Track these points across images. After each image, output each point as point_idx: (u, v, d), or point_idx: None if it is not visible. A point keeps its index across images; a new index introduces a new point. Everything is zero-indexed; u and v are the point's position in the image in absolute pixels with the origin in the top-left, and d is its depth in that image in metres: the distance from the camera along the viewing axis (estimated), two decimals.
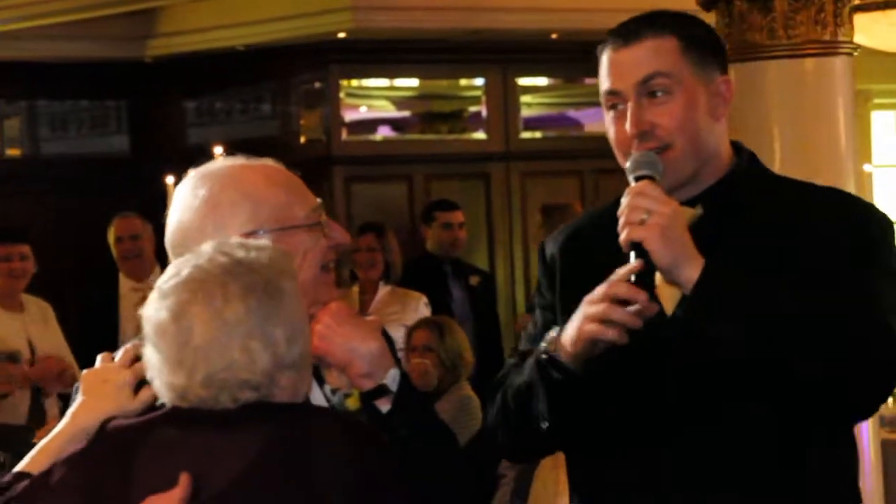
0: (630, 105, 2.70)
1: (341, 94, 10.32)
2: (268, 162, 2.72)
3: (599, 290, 2.61)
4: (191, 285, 2.36)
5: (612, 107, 2.74)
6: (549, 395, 2.67)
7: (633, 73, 2.70)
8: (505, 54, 10.46)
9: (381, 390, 2.56)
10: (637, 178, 2.67)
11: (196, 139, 10.70)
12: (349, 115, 10.41)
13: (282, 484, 2.30)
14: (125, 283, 7.66)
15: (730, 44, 5.13)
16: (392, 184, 10.29)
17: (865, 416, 2.74)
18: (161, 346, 2.36)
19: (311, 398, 2.59)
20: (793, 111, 5.09)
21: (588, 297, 2.62)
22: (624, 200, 2.61)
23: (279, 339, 2.34)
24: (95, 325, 7.59)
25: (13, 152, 10.90)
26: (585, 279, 2.73)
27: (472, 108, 10.86)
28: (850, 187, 5.06)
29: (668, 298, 2.67)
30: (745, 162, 2.81)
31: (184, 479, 2.30)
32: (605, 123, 2.79)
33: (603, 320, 2.59)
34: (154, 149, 10.64)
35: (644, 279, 2.60)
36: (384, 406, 2.55)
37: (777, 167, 5.12)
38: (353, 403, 2.56)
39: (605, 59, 2.76)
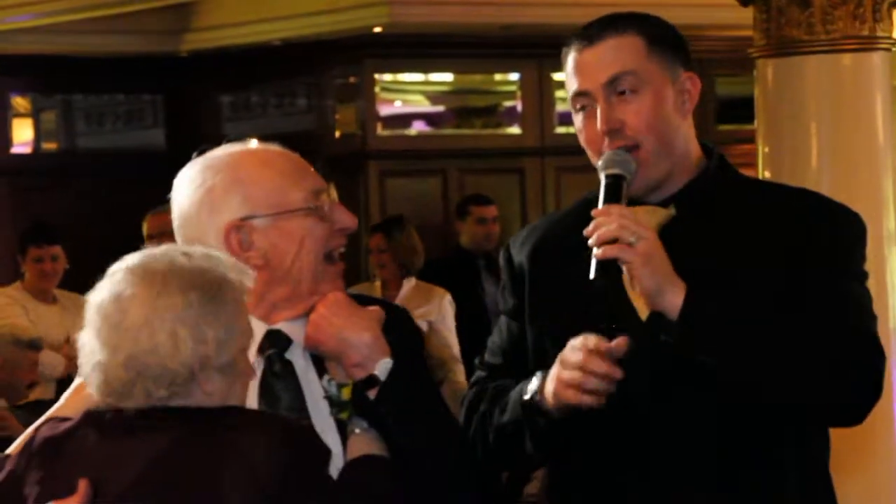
0: (599, 104, 2.70)
1: (376, 89, 10.31)
2: (271, 147, 2.68)
3: (574, 355, 2.58)
4: (136, 271, 2.36)
5: (581, 108, 2.75)
6: (534, 436, 2.68)
7: (600, 73, 2.71)
8: (540, 49, 10.42)
9: (372, 380, 2.54)
10: (608, 177, 2.66)
11: (231, 133, 10.64)
12: (384, 110, 10.41)
13: (181, 490, 2.27)
14: None
15: (768, 39, 5.10)
16: (426, 178, 10.29)
17: (855, 423, 2.72)
18: (96, 324, 2.36)
19: (308, 388, 2.57)
20: (830, 107, 5.06)
21: (562, 357, 2.60)
22: (605, 218, 2.58)
23: (209, 339, 2.32)
24: None
25: (49, 146, 10.95)
26: (554, 286, 2.75)
27: (507, 103, 10.84)
28: (888, 183, 5.03)
29: (641, 304, 2.67)
30: (716, 163, 2.79)
31: (82, 486, 2.29)
32: (575, 126, 2.79)
33: (580, 387, 2.58)
34: (189, 143, 10.59)
35: (615, 285, 2.60)
36: (373, 396, 2.53)
37: (814, 163, 5.09)
38: (346, 394, 2.55)
39: (570, 61, 2.76)
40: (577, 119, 2.77)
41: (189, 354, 2.32)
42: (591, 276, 2.57)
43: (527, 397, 2.67)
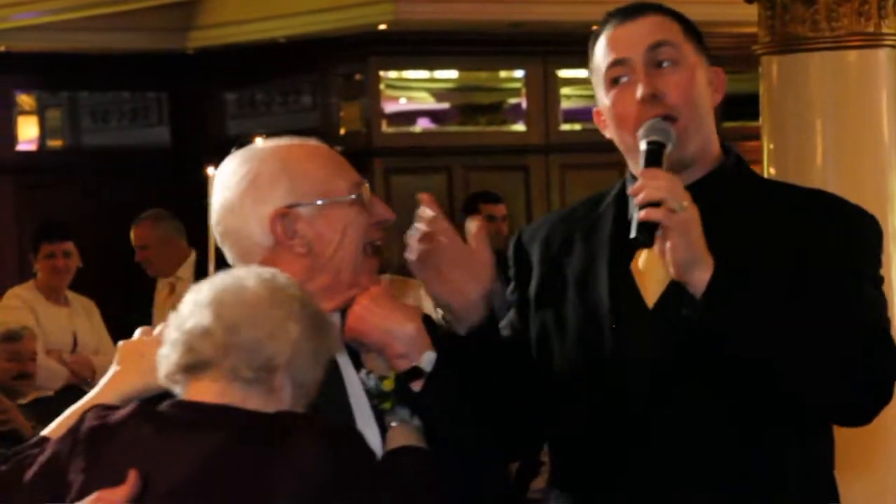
0: (640, 69, 2.70)
1: (381, 86, 10.32)
2: (311, 140, 2.71)
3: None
4: (263, 274, 2.43)
5: (615, 81, 2.73)
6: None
7: (642, 40, 2.72)
8: (545, 46, 10.43)
9: (416, 372, 2.56)
10: (650, 143, 2.66)
11: (236, 131, 10.72)
12: (389, 107, 10.41)
13: (230, 491, 2.29)
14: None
15: (772, 36, 5.10)
16: (431, 176, 10.29)
17: (862, 423, 2.72)
18: (208, 296, 2.39)
19: (349, 383, 2.59)
20: (835, 104, 5.05)
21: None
22: (653, 181, 2.58)
23: (306, 360, 2.38)
24: (134, 314, 7.66)
25: (55, 143, 10.96)
26: (558, 278, 2.77)
27: (512, 100, 10.84)
28: (893, 179, 5.03)
29: (649, 293, 2.67)
30: (733, 161, 2.80)
31: (132, 477, 2.29)
32: (600, 117, 2.79)
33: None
34: (194, 140, 10.67)
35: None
36: (418, 387, 2.56)
37: (819, 160, 5.09)
38: (388, 385, 2.57)
39: (603, 38, 2.76)
40: (609, 96, 2.75)
41: (286, 353, 2.36)
42: (633, 234, 2.57)
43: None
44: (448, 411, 2.56)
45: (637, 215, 2.56)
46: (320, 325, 2.41)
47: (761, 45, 5.18)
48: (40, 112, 10.89)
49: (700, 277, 2.56)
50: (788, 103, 5.06)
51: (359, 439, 2.42)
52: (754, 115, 5.56)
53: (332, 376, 2.58)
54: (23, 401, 6.63)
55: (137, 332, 2.64)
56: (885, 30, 5.06)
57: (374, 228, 2.66)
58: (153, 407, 2.39)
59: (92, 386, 7.36)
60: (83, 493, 2.33)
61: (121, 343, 2.63)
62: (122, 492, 2.28)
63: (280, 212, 2.57)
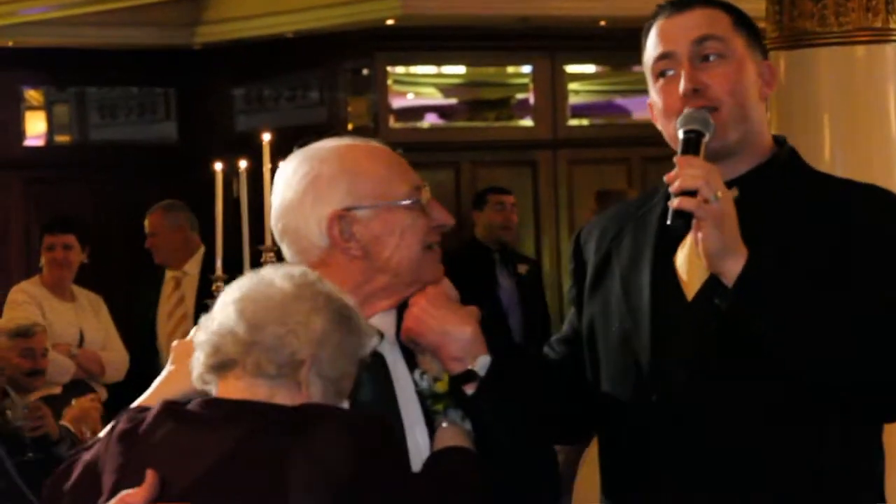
0: (684, 65, 2.70)
1: (389, 82, 10.31)
2: (373, 142, 2.71)
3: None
4: (294, 271, 2.42)
5: (661, 74, 2.74)
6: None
7: (688, 34, 2.72)
8: (553, 41, 10.42)
9: (470, 375, 2.57)
10: (688, 132, 2.65)
11: (244, 126, 10.72)
12: (396, 103, 10.41)
13: (244, 486, 2.29)
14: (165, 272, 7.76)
15: (780, 31, 5.09)
16: (439, 171, 10.28)
17: (891, 420, 2.71)
18: (236, 300, 2.40)
19: (397, 381, 2.59)
20: (843, 99, 5.05)
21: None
22: (690, 169, 2.57)
23: (331, 355, 2.37)
24: (141, 309, 7.68)
25: (62, 139, 10.96)
26: (606, 274, 2.77)
27: (520, 96, 10.83)
28: None
29: (690, 286, 2.67)
30: (787, 154, 2.79)
31: (150, 477, 2.31)
32: (653, 110, 2.78)
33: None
34: (202, 136, 10.67)
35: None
36: (471, 390, 2.57)
37: (827, 155, 5.08)
38: (441, 387, 2.58)
39: (654, 29, 2.76)
40: (655, 88, 2.75)
41: (306, 348, 2.35)
42: (669, 221, 2.56)
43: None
44: (500, 416, 2.58)
45: (671, 204, 2.56)
46: (348, 319, 2.40)
47: (769, 40, 5.17)
48: (48, 107, 10.89)
49: (732, 268, 2.55)
50: (796, 98, 5.05)
51: (387, 432, 2.40)
52: None
53: (380, 375, 2.59)
54: (31, 397, 6.64)
55: (192, 332, 2.62)
56: (892, 25, 5.06)
57: (432, 232, 2.65)
58: (180, 406, 2.40)
59: (99, 381, 7.31)
60: (114, 494, 2.34)
61: (175, 343, 2.64)
62: (142, 493, 2.30)
63: (338, 213, 2.58)
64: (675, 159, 2.63)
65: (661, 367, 2.67)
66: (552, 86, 10.59)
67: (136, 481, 2.32)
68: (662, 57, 2.73)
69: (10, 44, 10.07)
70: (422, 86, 10.76)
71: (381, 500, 2.33)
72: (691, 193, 2.54)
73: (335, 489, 2.28)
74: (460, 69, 10.85)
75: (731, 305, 2.56)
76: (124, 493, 2.30)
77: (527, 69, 10.72)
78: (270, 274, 2.41)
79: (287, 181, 2.64)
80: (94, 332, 7.26)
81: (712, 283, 2.62)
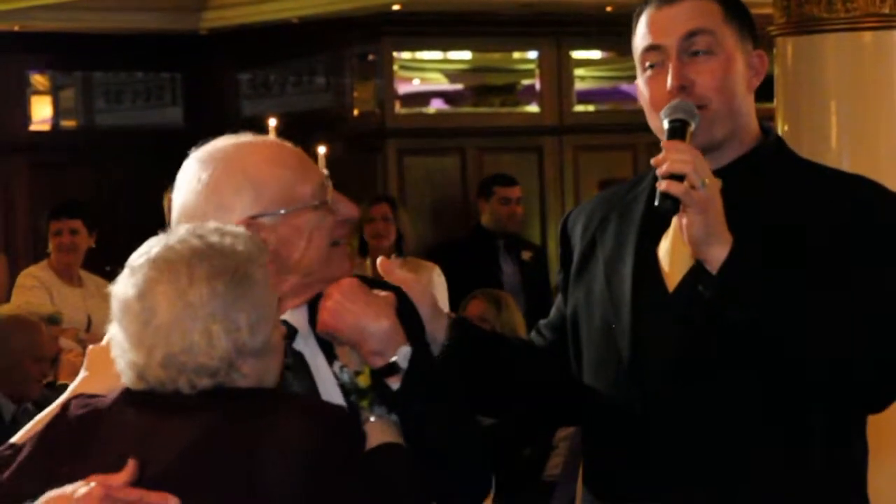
0: (672, 60, 2.69)
1: (395, 67, 10.30)
2: (270, 139, 2.67)
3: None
4: (159, 264, 2.34)
5: (650, 66, 2.73)
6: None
7: (677, 28, 2.70)
8: (559, 27, 10.40)
9: (393, 368, 2.53)
10: (673, 121, 2.64)
11: (250, 111, 10.72)
12: (402, 88, 10.39)
13: (218, 470, 2.27)
14: None
15: (787, 17, 5.08)
16: (445, 157, 10.28)
17: (877, 410, 2.70)
18: (125, 323, 2.34)
19: (319, 376, 2.56)
20: (850, 85, 5.04)
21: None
22: (678, 154, 2.57)
23: (242, 325, 2.31)
24: None
25: (68, 123, 10.96)
26: (591, 261, 2.77)
27: (526, 82, 10.82)
28: None
29: (671, 278, 2.66)
30: (772, 142, 2.78)
31: (130, 464, 2.27)
32: (639, 91, 2.77)
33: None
34: (208, 121, 10.66)
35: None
36: (394, 383, 2.52)
37: (834, 141, 5.07)
38: (363, 381, 2.54)
39: (644, 19, 2.75)
40: (642, 79, 2.75)
41: (224, 347, 2.31)
42: (657, 202, 2.56)
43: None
44: (429, 407, 2.53)
45: (659, 186, 2.55)
46: (237, 277, 2.33)
47: (776, 26, 5.16)
48: (54, 92, 10.89)
49: (716, 255, 2.55)
50: (803, 85, 5.05)
51: (344, 413, 2.39)
52: (768, 97, 5.54)
53: (301, 372, 2.57)
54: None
55: (106, 337, 2.56)
56: None
57: (339, 226, 2.62)
58: (139, 393, 2.36)
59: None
60: (71, 481, 2.30)
61: (90, 347, 2.61)
62: (120, 477, 2.27)
63: (244, 222, 2.54)
64: (662, 144, 2.62)
65: (641, 358, 2.68)
66: (558, 72, 10.58)
67: (100, 467, 2.29)
68: (651, 48, 2.72)
69: (17, 28, 10.06)
70: (428, 71, 10.75)
71: (348, 474, 2.32)
72: (678, 178, 2.53)
73: (308, 473, 2.27)
74: (466, 55, 10.84)
75: (715, 292, 2.55)
76: (100, 476, 2.27)
77: (533, 55, 10.70)
78: (142, 276, 2.34)
79: (189, 188, 2.60)
80: (102, 317, 7.26)
81: (694, 273, 2.61)
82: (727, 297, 2.55)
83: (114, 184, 10.41)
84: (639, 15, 2.76)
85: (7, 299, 7.61)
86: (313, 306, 2.60)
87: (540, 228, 10.44)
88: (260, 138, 2.67)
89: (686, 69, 2.68)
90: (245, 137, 2.66)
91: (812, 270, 2.60)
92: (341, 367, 2.56)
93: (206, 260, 2.33)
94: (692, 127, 2.64)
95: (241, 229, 2.43)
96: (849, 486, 2.71)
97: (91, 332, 7.19)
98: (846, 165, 4.76)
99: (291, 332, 2.59)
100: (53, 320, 6.49)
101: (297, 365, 2.57)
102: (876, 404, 2.67)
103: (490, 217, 8.75)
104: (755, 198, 2.68)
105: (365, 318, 2.53)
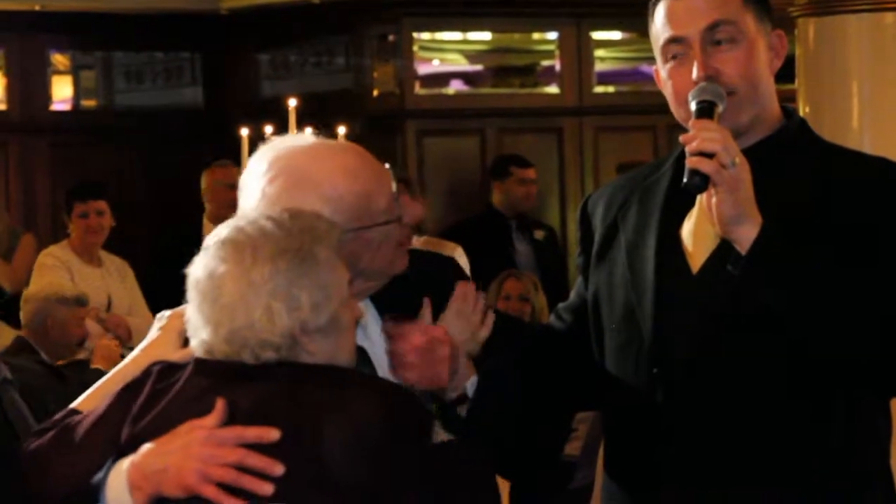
0: (696, 51, 2.68)
1: (414, 48, 10.29)
2: (347, 147, 2.63)
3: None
4: (227, 245, 2.40)
5: (673, 57, 2.72)
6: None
7: (699, 19, 2.69)
8: (579, 8, 10.37)
9: (462, 399, 2.62)
10: (701, 102, 2.64)
11: (269, 92, 10.71)
12: (422, 69, 10.38)
13: (285, 441, 2.31)
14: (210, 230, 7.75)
15: None
16: (464, 138, 10.26)
17: None
18: (196, 302, 2.42)
19: (382, 370, 2.59)
20: (872, 66, 5.02)
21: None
22: (708, 132, 2.56)
23: (304, 304, 2.36)
24: (170, 275, 7.67)
25: (88, 103, 10.97)
26: (612, 244, 2.77)
27: (546, 63, 10.79)
28: None
29: (695, 259, 2.66)
30: (796, 125, 2.77)
31: (220, 404, 2.34)
32: (660, 77, 2.76)
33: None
34: (227, 101, 10.67)
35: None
36: (463, 411, 2.61)
37: (855, 123, 5.06)
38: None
39: (662, 9, 2.74)
40: (665, 69, 2.74)
41: (286, 324, 2.36)
42: (686, 179, 2.55)
43: None
44: (494, 429, 2.61)
45: (689, 162, 2.54)
46: (300, 255, 2.38)
47: (798, 7, 5.14)
48: (74, 72, 10.90)
49: (746, 234, 2.54)
50: (825, 66, 5.03)
51: (414, 400, 2.43)
52: (790, 78, 5.52)
53: (362, 363, 2.59)
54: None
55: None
56: None
57: (403, 231, 2.65)
58: (210, 364, 2.42)
59: (126, 346, 7.38)
60: (137, 446, 2.38)
61: (171, 312, 2.64)
62: (212, 419, 2.34)
63: None
64: (689, 123, 2.61)
65: (665, 339, 2.67)
66: (578, 52, 10.55)
67: (173, 426, 2.36)
68: (673, 41, 2.71)
69: (37, 8, 10.07)
70: (447, 52, 10.73)
71: (410, 470, 2.34)
72: (708, 156, 2.52)
73: (368, 451, 2.30)
74: (486, 35, 10.81)
75: (744, 272, 2.54)
76: (193, 421, 2.34)
77: (553, 36, 10.68)
78: (212, 256, 2.40)
79: (260, 197, 2.56)
80: (120, 298, 7.29)
81: (719, 254, 2.61)
82: (757, 277, 2.54)
83: (134, 163, 10.42)
84: (656, 3, 2.75)
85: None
86: (373, 299, 2.64)
87: (559, 210, 10.43)
88: (334, 145, 2.63)
89: (711, 59, 2.68)
90: (317, 143, 2.60)
91: (838, 251, 2.58)
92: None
93: (272, 241, 2.38)
94: (720, 108, 2.64)
95: (314, 211, 2.46)
96: (872, 462, 2.70)
97: (111, 311, 7.21)
98: (867, 146, 4.75)
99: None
100: (80, 302, 6.52)
101: (360, 359, 2.58)
102: None
103: (504, 197, 8.75)
104: (779, 179, 2.67)
105: (436, 376, 2.58)
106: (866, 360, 2.58)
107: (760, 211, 2.57)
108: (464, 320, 2.62)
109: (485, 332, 2.64)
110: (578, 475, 5.60)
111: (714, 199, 2.54)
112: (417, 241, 7.84)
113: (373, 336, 2.64)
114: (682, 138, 2.59)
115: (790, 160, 2.71)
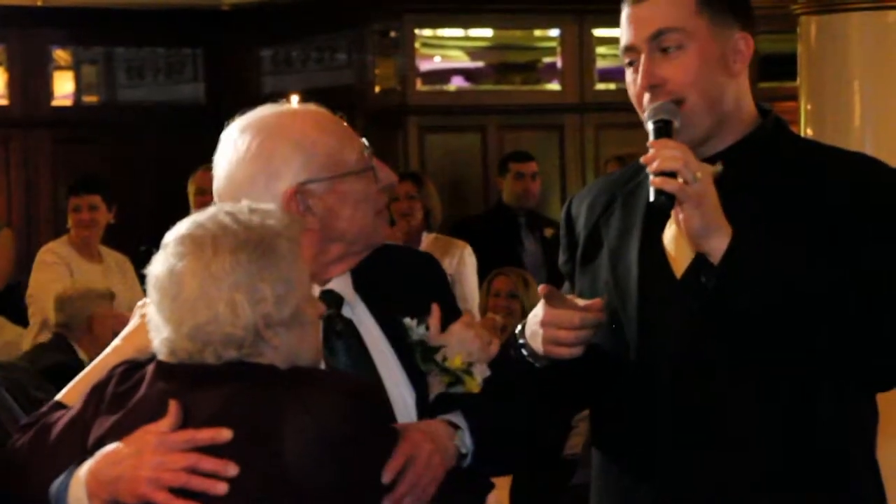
0: (643, 59, 2.69)
1: (416, 44, 10.29)
2: (313, 107, 2.68)
3: (545, 314, 2.63)
4: (186, 240, 2.37)
5: (629, 63, 2.74)
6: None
7: (646, 27, 2.70)
8: (581, 5, 10.37)
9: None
10: (658, 121, 2.65)
11: (271, 87, 10.71)
12: (424, 65, 10.38)
13: (245, 440, 2.29)
14: None
15: None
16: (466, 134, 10.26)
17: (885, 389, 2.71)
18: (156, 299, 2.39)
19: (369, 340, 2.58)
20: (874, 64, 5.01)
21: (538, 319, 2.65)
22: (667, 150, 2.57)
23: (267, 296, 2.33)
24: None
25: (90, 99, 10.97)
26: (595, 247, 2.77)
27: (547, 59, 10.79)
28: None
29: (678, 263, 2.66)
30: (772, 124, 2.76)
31: (173, 407, 2.32)
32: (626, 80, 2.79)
33: (557, 343, 2.64)
34: (229, 97, 10.67)
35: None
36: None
37: (857, 121, 5.05)
38: (457, 362, 2.61)
39: (623, 14, 2.76)
40: (627, 74, 2.76)
41: (249, 317, 2.33)
42: (652, 198, 2.56)
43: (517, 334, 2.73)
44: (496, 430, 2.61)
45: (652, 183, 2.55)
46: (261, 249, 2.36)
47: (800, 4, 5.14)
48: (76, 67, 10.90)
49: (717, 246, 2.55)
50: (827, 64, 5.02)
51: (379, 395, 2.42)
52: (791, 76, 5.52)
53: (352, 339, 2.60)
54: None
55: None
56: None
57: (381, 195, 2.65)
58: (170, 367, 2.39)
59: None
60: (99, 447, 2.36)
61: (146, 300, 2.64)
62: (165, 423, 2.32)
63: (293, 189, 2.56)
64: (648, 144, 2.62)
65: (649, 345, 2.68)
66: (580, 49, 10.55)
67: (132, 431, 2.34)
68: (627, 49, 2.74)
69: (39, 3, 10.08)
70: (449, 48, 10.73)
71: (372, 468, 2.34)
72: (670, 175, 2.53)
73: (330, 451, 2.29)
74: (487, 32, 10.82)
75: (717, 283, 2.55)
76: (149, 425, 2.32)
77: (554, 32, 10.68)
78: (171, 253, 2.38)
79: (235, 157, 2.60)
80: (121, 293, 7.28)
81: (701, 259, 2.61)
82: (730, 287, 2.55)
83: (135, 159, 10.42)
84: (622, 8, 2.76)
85: (19, 274, 7.64)
86: (356, 273, 2.63)
87: (560, 206, 10.43)
88: (302, 106, 2.69)
89: (657, 67, 2.69)
90: (286, 106, 2.67)
91: (815, 250, 2.58)
92: (418, 323, 2.60)
93: (231, 234, 2.36)
94: (676, 124, 2.65)
95: (272, 206, 2.45)
96: (859, 455, 2.71)
97: (113, 307, 7.20)
98: (869, 145, 4.75)
99: (338, 299, 2.61)
100: (112, 296, 6.59)
101: (347, 331, 2.60)
102: (885, 383, 2.67)
103: (508, 193, 8.75)
104: (755, 181, 2.67)
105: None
106: (847, 355, 2.58)
107: (736, 214, 2.58)
108: (472, 333, 2.62)
109: (494, 349, 2.63)
110: (579, 473, 5.60)
111: (681, 216, 2.55)
112: (427, 239, 7.85)
113: (358, 309, 2.63)
114: (642, 159, 2.61)
115: (765, 161, 2.71)
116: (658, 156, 2.56)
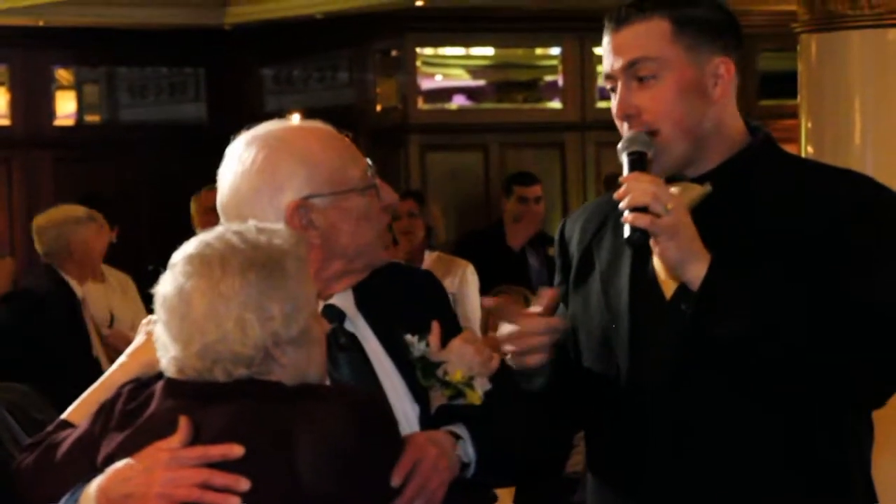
0: (619, 88, 2.71)
1: (417, 63, 10.31)
2: (318, 124, 2.70)
3: (505, 328, 2.66)
4: (194, 260, 2.37)
5: (611, 90, 2.76)
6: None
7: (622, 56, 2.72)
8: (582, 23, 10.39)
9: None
10: (632, 153, 2.67)
11: (273, 106, 10.74)
12: (425, 84, 10.41)
13: (255, 456, 2.29)
14: None
15: (812, 13, 5.07)
16: (467, 153, 10.28)
17: (876, 407, 2.70)
18: (165, 319, 2.39)
19: (372, 355, 2.60)
20: (874, 82, 5.02)
21: (499, 335, 2.68)
22: (637, 184, 2.58)
23: (276, 315, 2.34)
24: None
25: (92, 118, 11.00)
26: (587, 268, 2.77)
27: (549, 78, 10.82)
28: None
29: (668, 285, 2.67)
30: (760, 142, 2.76)
31: (183, 423, 2.32)
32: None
33: (520, 353, 2.66)
34: (231, 116, 10.69)
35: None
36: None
37: (857, 139, 5.06)
38: (458, 376, 2.61)
39: (604, 42, 2.78)
40: (612, 99, 2.78)
41: (258, 336, 2.34)
42: (626, 235, 2.57)
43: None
44: (497, 449, 2.60)
45: (624, 220, 2.57)
46: (269, 268, 2.36)
47: (800, 23, 5.15)
48: (78, 87, 10.93)
49: (696, 274, 2.56)
50: (827, 81, 5.03)
51: (385, 410, 2.42)
52: (792, 93, 5.53)
53: (356, 353, 2.61)
54: None
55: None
56: None
57: (383, 214, 2.66)
58: (179, 385, 2.40)
59: None
60: (108, 465, 2.36)
61: (151, 317, 2.65)
62: (176, 440, 2.32)
63: (297, 204, 2.58)
64: (620, 179, 2.63)
65: (640, 365, 2.68)
66: (581, 68, 10.58)
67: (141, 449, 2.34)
68: (606, 76, 2.76)
69: (41, 23, 10.10)
70: (450, 67, 10.75)
71: (381, 478, 2.35)
72: (643, 210, 2.54)
73: (340, 462, 2.29)
74: (489, 51, 10.84)
75: (696, 310, 2.56)
76: (160, 442, 2.32)
77: (556, 51, 10.70)
78: (179, 272, 2.38)
79: (240, 170, 2.62)
80: (123, 313, 7.29)
81: (683, 286, 2.62)
82: (707, 317, 2.56)
83: (137, 178, 10.44)
84: (604, 36, 2.78)
85: None
86: (358, 290, 2.65)
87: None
88: (308, 123, 2.71)
89: (632, 97, 2.70)
90: (292, 122, 2.70)
91: (797, 273, 2.59)
92: (419, 340, 2.61)
93: (240, 253, 2.37)
94: (650, 154, 2.67)
95: (279, 226, 2.46)
96: (854, 472, 2.71)
97: (114, 326, 7.21)
98: (869, 162, 4.75)
99: (340, 315, 2.63)
100: (92, 217, 6.69)
101: (350, 345, 2.61)
102: (874, 402, 2.67)
103: (510, 216, 8.74)
104: (744, 200, 2.68)
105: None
106: (837, 380, 2.59)
107: (720, 233, 2.58)
108: (473, 348, 2.63)
109: (495, 363, 2.63)
110: (579, 492, 5.60)
111: (657, 249, 2.56)
112: (429, 258, 7.85)
113: (360, 324, 2.65)
114: (614, 196, 2.61)
115: (753, 180, 2.71)
116: (629, 191, 2.57)
